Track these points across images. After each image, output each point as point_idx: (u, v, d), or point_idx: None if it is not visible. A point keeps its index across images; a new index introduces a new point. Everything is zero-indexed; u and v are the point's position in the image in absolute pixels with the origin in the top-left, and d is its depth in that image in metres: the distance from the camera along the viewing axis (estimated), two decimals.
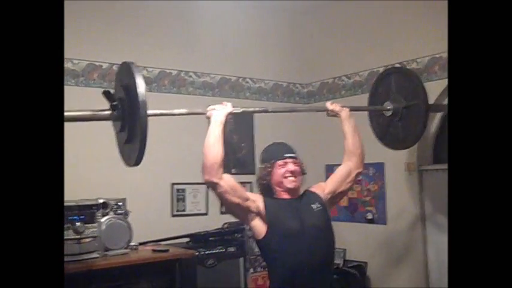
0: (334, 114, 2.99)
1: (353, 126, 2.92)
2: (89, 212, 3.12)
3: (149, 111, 2.15)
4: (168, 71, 4.23)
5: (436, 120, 4.02)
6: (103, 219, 3.22)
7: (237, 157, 4.40)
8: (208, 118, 2.56)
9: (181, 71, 4.30)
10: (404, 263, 4.09)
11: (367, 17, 4.45)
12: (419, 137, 3.27)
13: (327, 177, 4.58)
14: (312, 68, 4.96)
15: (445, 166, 3.85)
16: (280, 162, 2.64)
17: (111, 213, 3.32)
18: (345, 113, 2.95)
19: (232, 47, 4.59)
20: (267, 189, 2.67)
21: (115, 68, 3.96)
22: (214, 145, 2.45)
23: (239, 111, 2.75)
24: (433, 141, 4.07)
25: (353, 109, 3.05)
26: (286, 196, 2.65)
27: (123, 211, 3.39)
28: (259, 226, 2.56)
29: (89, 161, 3.69)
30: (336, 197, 2.83)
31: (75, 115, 2.26)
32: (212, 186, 2.47)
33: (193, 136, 4.25)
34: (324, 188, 2.79)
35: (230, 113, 2.61)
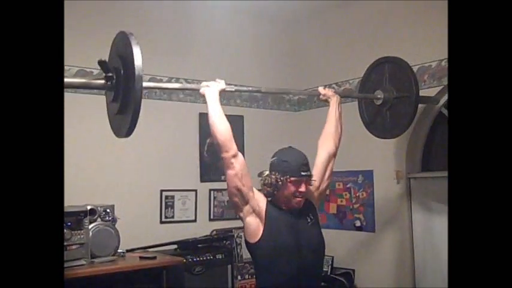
0: (326, 99, 3.09)
1: (339, 113, 3.02)
2: (76, 218, 3.12)
3: (144, 84, 2.16)
4: (158, 77, 4.22)
5: (425, 129, 4.04)
6: (90, 226, 3.23)
7: None
8: (202, 95, 2.57)
9: (172, 78, 4.30)
10: (392, 270, 4.10)
11: (358, 26, 4.47)
12: (406, 128, 3.31)
13: None
14: (302, 76, 4.97)
15: (434, 174, 3.88)
16: (293, 179, 2.51)
17: (99, 219, 3.33)
18: (335, 98, 3.05)
19: (223, 55, 4.60)
20: (270, 195, 2.58)
21: None
22: (219, 122, 2.46)
23: (232, 89, 2.78)
24: (422, 150, 4.09)
25: (345, 95, 3.11)
26: (284, 206, 2.58)
27: (111, 218, 3.39)
28: (254, 226, 2.51)
29: (77, 167, 3.68)
30: (321, 193, 2.84)
31: (70, 82, 2.29)
32: (228, 164, 2.44)
33: (182, 143, 4.30)
34: (311, 189, 2.75)
35: (223, 90, 2.61)
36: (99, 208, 3.35)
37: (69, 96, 3.68)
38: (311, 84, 4.86)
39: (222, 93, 2.61)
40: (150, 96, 4.15)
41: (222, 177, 4.37)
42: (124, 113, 2.22)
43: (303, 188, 2.53)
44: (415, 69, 3.95)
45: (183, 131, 4.31)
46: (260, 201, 2.54)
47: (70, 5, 3.64)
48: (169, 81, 4.27)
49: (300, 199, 2.55)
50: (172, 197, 4.15)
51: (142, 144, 3.94)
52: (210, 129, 2.48)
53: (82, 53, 3.82)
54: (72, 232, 3.06)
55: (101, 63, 2.21)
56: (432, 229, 3.86)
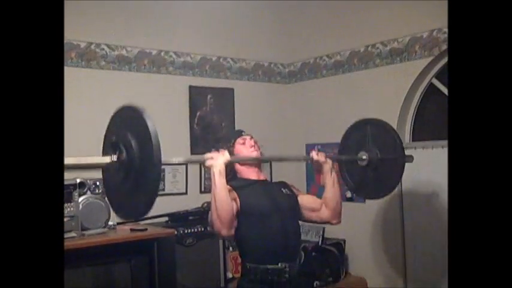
0: (318, 165, 2.93)
1: (333, 179, 2.88)
2: (65, 191, 3.10)
3: None
4: (147, 50, 4.19)
5: (415, 99, 4.04)
6: (80, 199, 3.22)
7: (217, 137, 4.40)
8: (208, 168, 2.51)
9: (161, 50, 4.26)
10: (382, 240, 4.14)
11: None
12: (393, 188, 3.25)
13: (307, 154, 4.63)
14: (293, 47, 4.94)
15: (424, 144, 3.89)
16: (239, 140, 2.80)
17: (89, 192, 3.32)
18: (327, 166, 2.89)
19: (213, 27, 4.55)
20: (230, 172, 2.68)
21: (93, 47, 3.91)
22: (226, 199, 2.42)
23: (236, 160, 2.72)
24: (412, 120, 4.10)
25: (334, 160, 3.03)
26: (253, 176, 2.73)
27: (100, 190, 3.37)
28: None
29: (66, 139, 3.65)
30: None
31: (75, 164, 2.16)
32: (230, 236, 2.53)
33: (172, 116, 4.27)
34: (298, 193, 2.85)
35: (228, 161, 2.53)
36: (88, 181, 3.33)
37: None
38: (301, 55, 4.85)
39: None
40: (139, 70, 4.12)
41: (213, 150, 4.37)
42: (137, 192, 2.08)
43: (251, 142, 2.79)
44: (406, 39, 3.96)
45: (172, 104, 4.28)
46: (234, 195, 2.58)
47: None
48: (158, 54, 4.23)
49: (254, 150, 2.76)
50: (163, 169, 4.14)
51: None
52: (212, 202, 2.43)
53: (69, 25, 3.75)
54: None
55: (114, 144, 2.10)
56: (422, 197, 3.89)
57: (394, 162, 3.10)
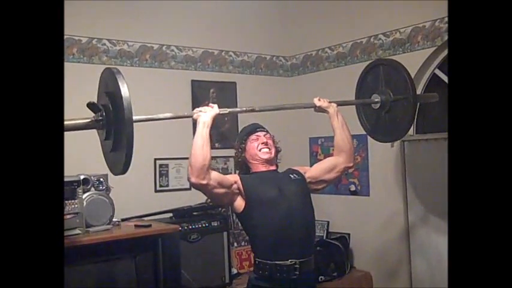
0: (322, 110, 2.92)
1: (341, 122, 2.88)
2: (69, 188, 3.09)
3: (134, 117, 2.13)
4: (149, 45, 4.17)
5: (418, 91, 4.01)
6: (84, 196, 3.21)
7: (220, 131, 4.38)
8: (195, 121, 2.53)
9: (163, 45, 4.24)
10: (387, 234, 4.12)
11: None
12: (407, 130, 3.22)
13: (311, 149, 4.64)
14: (295, 40, 4.92)
15: (427, 136, 3.87)
16: (253, 136, 2.76)
17: (93, 189, 3.31)
18: (332, 108, 2.88)
19: (215, 20, 4.52)
20: (243, 167, 2.79)
21: (94, 42, 3.90)
22: (203, 147, 2.43)
23: (226, 111, 2.69)
24: (416, 112, 4.06)
25: (340, 104, 2.99)
26: (263, 168, 2.73)
27: (104, 187, 3.37)
28: (239, 202, 2.62)
29: (70, 136, 3.63)
30: (316, 183, 2.82)
31: None
32: (200, 187, 2.48)
33: (175, 110, 4.22)
34: (305, 170, 2.83)
35: (217, 115, 2.56)
36: (92, 177, 3.33)
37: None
38: (303, 48, 4.82)
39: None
40: (141, 65, 4.11)
41: (216, 144, 4.36)
42: (118, 150, 2.19)
43: (264, 139, 2.74)
44: (408, 30, 3.93)
45: (175, 98, 4.27)
46: (237, 180, 2.63)
47: None
48: (160, 48, 4.22)
49: (266, 150, 2.72)
50: (167, 165, 4.14)
51: (134, 112, 3.89)
52: (191, 151, 2.46)
53: (70, 20, 3.73)
54: (66, 202, 3.04)
55: (90, 105, 2.18)
56: (426, 191, 3.87)
57: (406, 104, 3.05)
